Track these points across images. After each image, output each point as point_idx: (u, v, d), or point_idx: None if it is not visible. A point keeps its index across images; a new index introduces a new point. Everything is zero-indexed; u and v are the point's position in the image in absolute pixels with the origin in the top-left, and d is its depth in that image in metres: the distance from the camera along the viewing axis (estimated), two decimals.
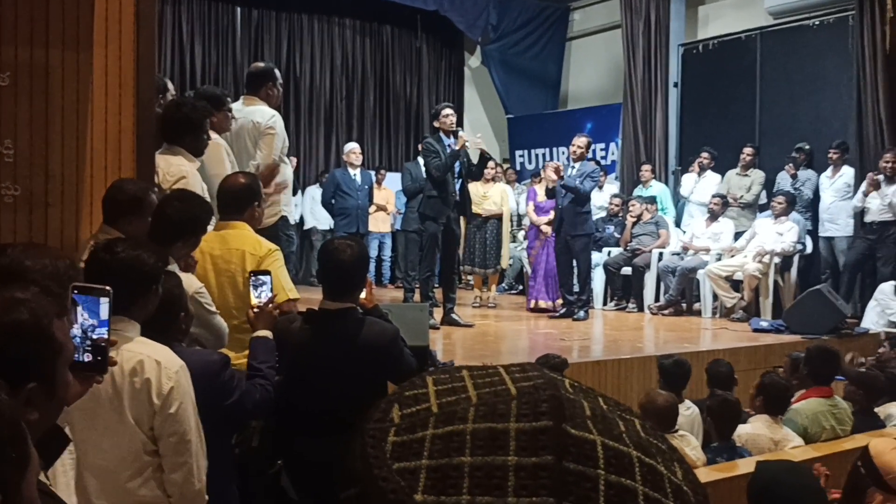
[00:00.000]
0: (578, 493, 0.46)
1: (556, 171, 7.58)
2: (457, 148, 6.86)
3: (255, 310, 2.95)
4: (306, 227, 10.60)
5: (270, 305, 2.96)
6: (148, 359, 2.20)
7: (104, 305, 1.69)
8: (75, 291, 1.69)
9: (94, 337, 1.65)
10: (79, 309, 1.66)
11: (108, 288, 1.70)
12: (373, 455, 0.50)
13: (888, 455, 2.65)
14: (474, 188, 8.28)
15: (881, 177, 7.69)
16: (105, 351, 1.65)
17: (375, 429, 0.52)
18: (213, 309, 3.11)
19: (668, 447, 0.54)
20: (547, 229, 8.28)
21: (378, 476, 0.48)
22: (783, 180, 8.75)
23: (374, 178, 10.32)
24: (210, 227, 3.46)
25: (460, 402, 0.52)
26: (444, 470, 0.47)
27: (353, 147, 9.63)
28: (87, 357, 1.64)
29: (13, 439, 0.97)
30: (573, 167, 7.74)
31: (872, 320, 7.31)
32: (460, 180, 7.04)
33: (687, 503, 0.50)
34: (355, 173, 9.43)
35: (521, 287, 10.06)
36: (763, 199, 8.97)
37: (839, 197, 8.33)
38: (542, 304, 8.40)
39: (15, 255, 1.78)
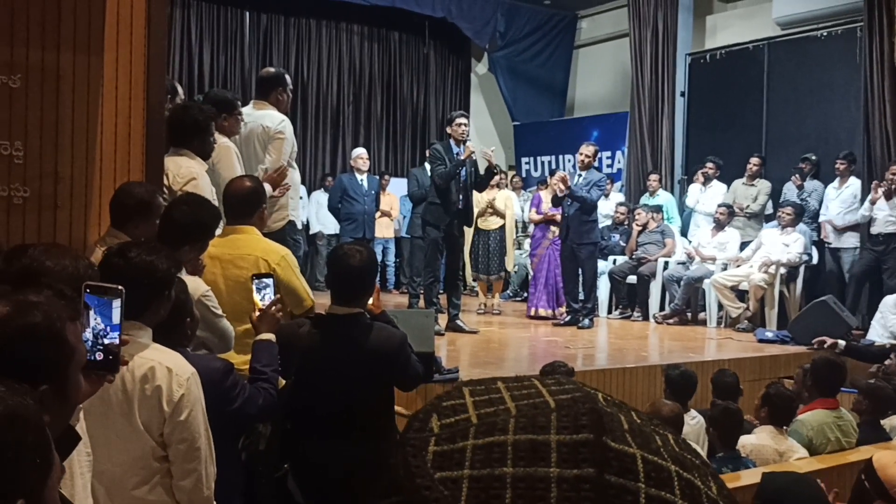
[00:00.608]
0: None
1: (563, 181, 7.59)
2: (463, 157, 6.87)
3: (259, 312, 2.95)
4: (312, 231, 10.62)
5: (274, 308, 2.96)
6: (159, 365, 2.21)
7: (116, 309, 1.69)
8: (87, 291, 1.69)
9: (106, 342, 1.65)
10: (91, 313, 1.66)
11: (120, 288, 1.70)
12: (414, 465, 0.50)
13: (893, 468, 2.65)
14: (478, 195, 8.30)
15: (884, 187, 7.67)
16: (117, 351, 1.65)
17: (416, 438, 0.52)
18: (220, 312, 3.11)
19: (701, 462, 0.54)
20: (555, 228, 8.25)
21: (421, 485, 0.48)
22: (789, 191, 8.74)
23: (380, 184, 10.34)
24: (217, 231, 3.47)
25: (499, 414, 0.52)
26: (487, 480, 0.48)
27: (360, 152, 9.65)
28: (99, 356, 1.64)
29: (38, 444, 0.98)
30: (580, 175, 7.74)
31: (878, 332, 7.29)
32: (465, 190, 7.05)
33: None
34: (362, 178, 9.45)
35: (525, 294, 10.06)
36: (769, 210, 8.96)
37: (845, 208, 8.32)
38: (541, 311, 8.40)
39: (36, 256, 1.78)
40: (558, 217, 8.12)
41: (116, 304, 1.69)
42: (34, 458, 0.97)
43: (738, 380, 4.94)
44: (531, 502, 0.46)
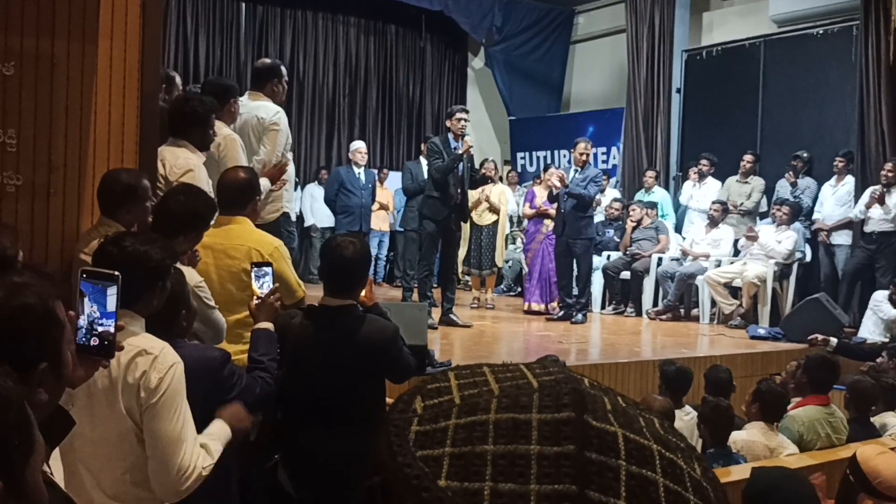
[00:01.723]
0: (601, 483, 0.47)
1: (561, 179, 7.60)
2: (461, 151, 6.87)
3: (257, 301, 2.95)
4: (306, 224, 10.62)
5: (272, 297, 2.96)
6: (143, 352, 2.20)
7: (112, 296, 1.69)
8: (84, 277, 1.69)
9: (101, 329, 1.65)
10: (86, 300, 1.67)
11: (116, 274, 1.71)
12: (396, 443, 0.50)
13: (874, 460, 2.67)
14: (472, 190, 8.31)
15: (879, 187, 7.69)
16: (112, 337, 1.66)
17: (399, 419, 0.53)
18: (213, 303, 3.11)
19: (686, 445, 0.54)
20: (549, 222, 8.26)
21: (402, 463, 0.49)
22: (783, 188, 8.76)
23: (377, 177, 10.35)
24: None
25: (483, 395, 0.52)
26: (468, 457, 0.48)
27: (358, 146, 9.65)
28: (94, 342, 1.65)
29: (18, 425, 0.97)
30: (577, 171, 7.75)
31: (869, 329, 7.32)
32: (462, 184, 7.05)
33: (706, 498, 0.51)
34: (359, 172, 9.46)
35: (519, 289, 10.07)
36: (764, 207, 8.98)
37: (840, 205, 8.35)
38: (534, 306, 8.41)
39: None
40: (552, 211, 8.12)
41: (112, 290, 1.69)
42: (14, 440, 0.96)
43: (732, 376, 4.95)
44: (511, 478, 0.47)
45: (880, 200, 7.59)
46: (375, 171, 10.58)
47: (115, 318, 1.68)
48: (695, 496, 0.49)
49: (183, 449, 2.19)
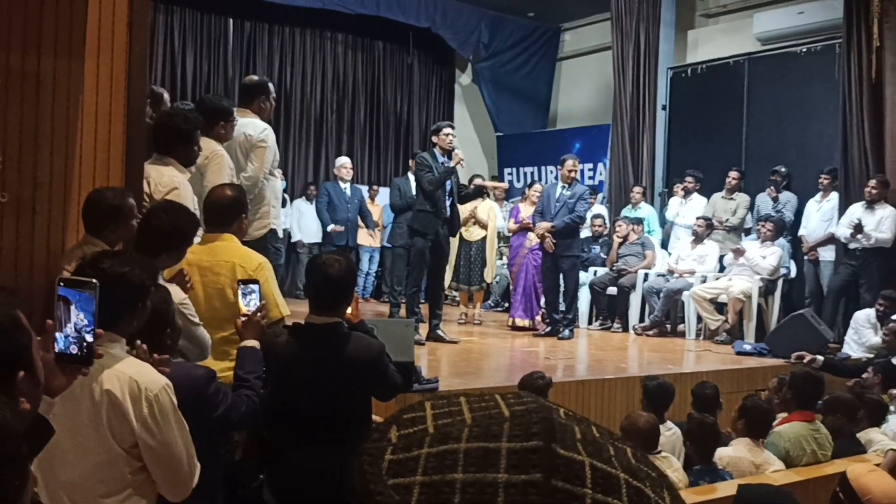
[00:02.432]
0: None
1: (546, 232, 7.65)
2: (452, 165, 6.88)
3: (244, 318, 2.95)
4: (293, 239, 10.61)
5: (259, 315, 2.96)
6: (129, 380, 2.18)
7: (93, 301, 1.70)
8: (62, 285, 1.69)
9: (87, 337, 1.65)
10: (72, 307, 1.66)
11: (94, 281, 1.71)
12: (369, 472, 0.52)
13: (864, 477, 2.69)
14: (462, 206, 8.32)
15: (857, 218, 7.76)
16: (91, 344, 1.66)
17: (374, 447, 0.54)
18: (197, 321, 3.10)
19: (658, 475, 0.55)
20: (533, 236, 8.27)
21: (374, 491, 0.50)
22: (763, 203, 8.83)
23: (365, 193, 10.40)
24: (197, 239, 3.46)
25: (455, 424, 0.54)
26: (437, 486, 0.49)
27: (343, 161, 9.71)
28: (74, 349, 1.65)
29: (14, 458, 0.96)
30: (564, 187, 7.77)
31: (852, 347, 7.37)
32: (451, 199, 7.06)
33: None
34: (345, 187, 9.49)
35: (507, 304, 10.08)
36: (749, 223, 9.04)
37: (825, 221, 8.42)
38: (518, 321, 8.41)
39: None
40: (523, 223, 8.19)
41: (93, 298, 1.70)
42: (11, 472, 0.95)
43: (719, 392, 4.97)
44: None
45: (858, 229, 7.66)
46: (363, 188, 10.61)
47: (94, 323, 1.68)
48: None
49: (185, 459, 2.24)
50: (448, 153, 6.95)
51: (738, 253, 8.18)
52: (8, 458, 0.96)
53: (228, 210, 3.51)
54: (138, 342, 2.30)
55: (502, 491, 0.48)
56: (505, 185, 7.04)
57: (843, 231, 7.91)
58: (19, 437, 0.98)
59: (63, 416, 2.05)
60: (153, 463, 2.22)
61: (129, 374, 2.19)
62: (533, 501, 0.48)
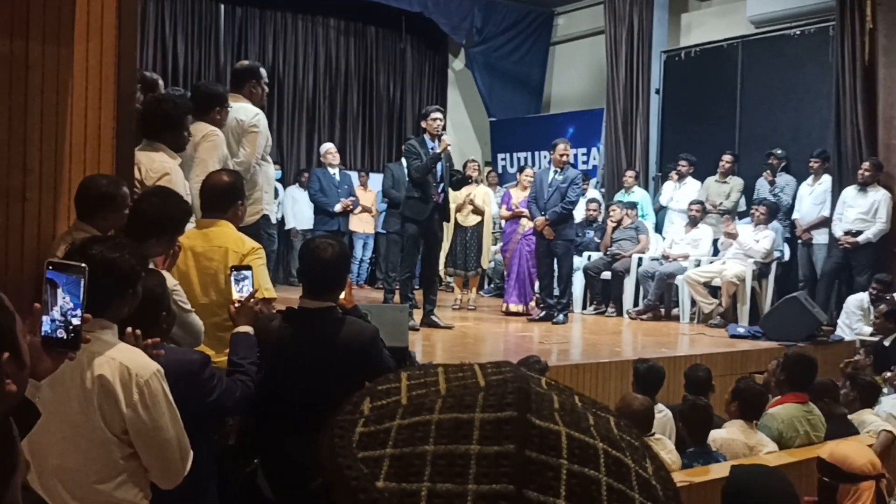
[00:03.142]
0: (540, 482, 0.46)
1: (544, 226, 7.64)
2: (438, 151, 6.86)
3: (237, 304, 2.94)
4: (287, 226, 10.59)
5: (252, 301, 2.95)
6: (120, 366, 2.18)
7: (81, 287, 1.68)
8: (50, 268, 1.68)
9: (74, 321, 1.64)
10: (59, 291, 1.65)
11: (83, 265, 1.69)
12: (339, 445, 0.51)
13: (836, 450, 2.72)
14: (454, 192, 8.31)
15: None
16: (79, 329, 1.65)
17: (345, 420, 0.53)
18: (188, 307, 3.09)
19: (640, 444, 0.54)
20: (525, 222, 8.26)
21: (342, 465, 0.49)
22: (762, 187, 8.83)
23: (354, 179, 10.38)
24: (191, 225, 3.44)
25: (429, 395, 0.53)
26: (408, 458, 0.48)
27: (329, 147, 9.73)
28: (61, 333, 1.63)
29: (3, 446, 0.94)
30: (557, 172, 7.76)
31: (845, 331, 7.41)
32: (442, 184, 7.05)
33: (654, 497, 0.50)
34: (335, 172, 9.48)
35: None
36: (743, 207, 9.05)
37: (817, 204, 8.42)
38: (512, 307, 8.41)
39: None
40: (527, 212, 8.14)
41: (81, 282, 1.68)
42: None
43: (711, 375, 4.98)
44: (450, 478, 0.47)
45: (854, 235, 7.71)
46: (352, 174, 10.58)
47: (81, 307, 1.67)
48: (640, 495, 0.49)
49: (176, 445, 2.23)
50: (437, 138, 6.93)
51: (731, 235, 8.18)
52: None
53: (225, 196, 3.50)
54: (129, 329, 2.29)
55: (474, 463, 0.47)
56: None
57: (838, 231, 7.92)
58: (8, 422, 0.96)
59: (54, 402, 2.05)
60: (144, 449, 2.22)
61: (120, 359, 2.18)
62: (505, 473, 0.46)
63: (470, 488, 0.46)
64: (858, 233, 7.79)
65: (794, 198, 8.68)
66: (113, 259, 2.19)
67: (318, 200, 9.68)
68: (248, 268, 3.06)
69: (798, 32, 9.28)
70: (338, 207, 9.55)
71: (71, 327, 1.65)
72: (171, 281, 2.95)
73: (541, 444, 0.48)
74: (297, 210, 10.57)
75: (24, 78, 3.44)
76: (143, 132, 3.84)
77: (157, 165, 3.70)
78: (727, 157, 9.04)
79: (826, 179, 8.44)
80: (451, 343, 6.53)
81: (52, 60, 3.49)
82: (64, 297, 1.65)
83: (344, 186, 9.60)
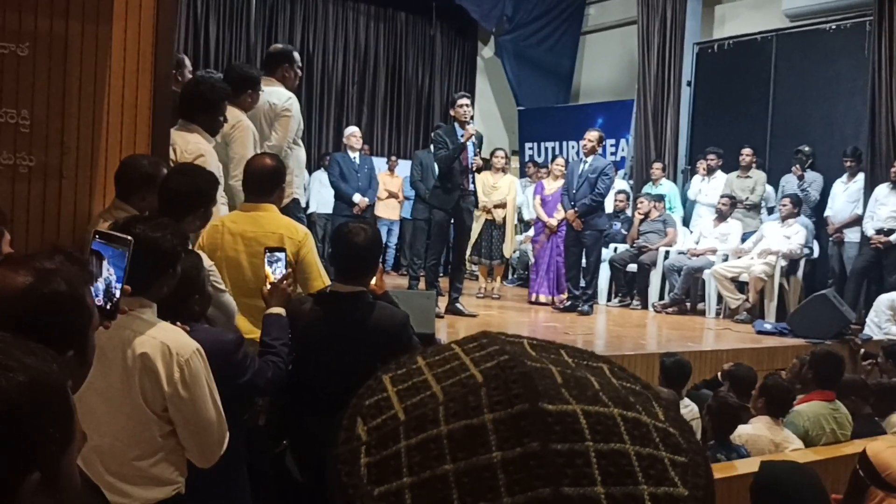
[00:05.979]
0: (574, 474, 0.43)
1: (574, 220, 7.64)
2: (463, 140, 6.85)
3: (270, 286, 2.96)
4: (310, 210, 10.60)
5: (285, 283, 2.98)
6: (161, 345, 2.20)
7: (125, 258, 1.70)
8: (97, 238, 1.69)
9: (116, 293, 1.66)
10: (105, 263, 1.67)
11: (130, 238, 1.71)
12: (349, 484, 0.46)
13: (885, 453, 2.68)
14: (483, 178, 8.31)
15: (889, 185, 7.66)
16: (118, 299, 1.66)
17: (344, 452, 0.48)
18: (222, 287, 3.12)
19: (642, 387, 0.52)
20: (553, 224, 8.28)
21: None
22: (789, 182, 8.74)
23: (377, 164, 10.34)
24: (224, 209, 3.47)
25: (427, 403, 0.48)
26: (430, 484, 0.44)
27: (353, 130, 9.63)
28: (101, 302, 1.65)
29: (59, 415, 0.95)
30: (585, 161, 7.73)
31: (874, 330, 7.32)
32: (472, 172, 7.05)
33: (676, 445, 0.48)
34: (355, 156, 9.44)
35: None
36: (772, 202, 8.96)
37: (851, 202, 8.32)
38: (542, 298, 8.40)
39: None
40: (555, 221, 8.22)
41: (126, 255, 1.70)
42: (54, 430, 0.93)
43: (756, 376, 4.88)
44: (481, 495, 0.43)
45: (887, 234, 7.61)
46: (378, 159, 10.55)
47: (123, 279, 1.69)
48: (666, 451, 0.47)
49: (215, 426, 2.26)
50: (465, 124, 6.92)
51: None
52: (49, 418, 0.93)
53: (270, 179, 3.53)
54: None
55: (501, 472, 0.43)
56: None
57: (870, 230, 7.82)
58: (65, 394, 0.97)
59: (96, 380, 2.07)
60: (183, 427, 2.24)
61: (161, 338, 2.21)
62: (537, 475, 0.42)
63: (506, 502, 0.42)
64: (891, 231, 7.69)
65: (821, 194, 8.58)
66: (155, 238, 2.21)
67: (337, 187, 9.58)
68: (282, 249, 3.08)
69: (833, 27, 9.14)
70: (356, 198, 9.42)
71: (112, 298, 1.66)
72: (206, 261, 2.97)
73: (562, 432, 0.44)
74: (322, 193, 10.57)
75: (62, 56, 3.47)
76: (179, 112, 3.87)
77: (191, 147, 3.72)
78: (747, 151, 8.96)
79: (861, 178, 8.34)
80: (475, 331, 6.48)
81: (91, 39, 3.52)
82: (108, 269, 1.67)
83: (364, 169, 9.47)
